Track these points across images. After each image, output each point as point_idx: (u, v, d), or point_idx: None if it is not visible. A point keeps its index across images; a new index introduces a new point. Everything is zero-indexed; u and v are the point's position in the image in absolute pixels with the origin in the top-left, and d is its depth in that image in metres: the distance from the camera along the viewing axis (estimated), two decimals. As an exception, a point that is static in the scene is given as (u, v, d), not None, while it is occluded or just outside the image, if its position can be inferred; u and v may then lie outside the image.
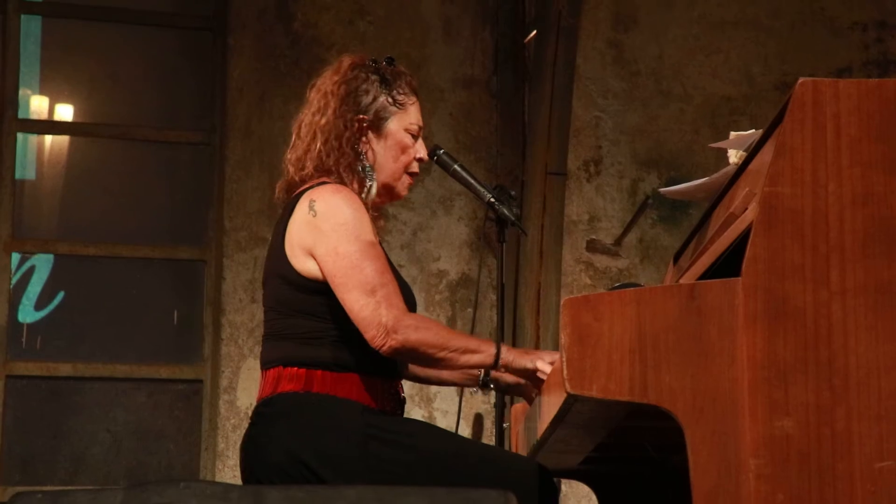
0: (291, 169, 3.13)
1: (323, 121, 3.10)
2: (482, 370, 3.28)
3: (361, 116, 3.10)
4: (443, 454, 2.95)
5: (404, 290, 3.11)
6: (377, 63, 3.18)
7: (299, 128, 3.16)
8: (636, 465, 3.29)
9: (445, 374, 3.35)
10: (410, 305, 3.12)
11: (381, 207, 3.23)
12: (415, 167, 3.17)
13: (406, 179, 3.17)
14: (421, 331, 2.94)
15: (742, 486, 2.22)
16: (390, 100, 3.13)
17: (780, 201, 2.29)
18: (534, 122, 5.75)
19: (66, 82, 5.87)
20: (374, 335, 2.92)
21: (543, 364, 3.00)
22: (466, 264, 5.78)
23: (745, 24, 6.02)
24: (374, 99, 3.12)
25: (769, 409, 2.23)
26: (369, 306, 2.92)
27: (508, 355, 3.01)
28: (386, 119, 3.13)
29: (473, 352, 2.99)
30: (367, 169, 3.11)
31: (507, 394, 3.42)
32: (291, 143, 3.16)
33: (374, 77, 3.14)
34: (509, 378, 3.26)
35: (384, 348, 2.92)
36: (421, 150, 3.17)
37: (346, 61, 3.18)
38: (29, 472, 5.50)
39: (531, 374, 3.04)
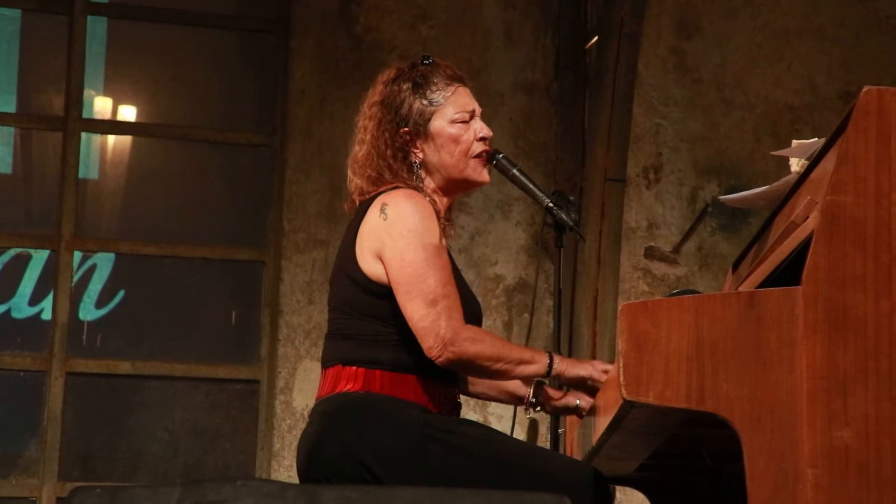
0: (357, 194, 3.15)
1: (364, 151, 3.13)
2: (530, 391, 3.28)
3: (403, 129, 3.10)
4: (499, 457, 2.95)
5: (469, 299, 3.11)
6: (412, 66, 3.18)
7: (353, 165, 3.18)
8: (691, 474, 3.28)
9: (494, 392, 3.35)
10: (475, 313, 3.13)
11: (453, 214, 3.24)
12: (477, 149, 3.15)
13: (475, 163, 3.15)
14: (477, 343, 2.94)
15: (799, 496, 2.22)
16: (425, 101, 3.12)
17: (842, 210, 2.28)
18: (593, 128, 5.74)
19: (130, 83, 5.92)
20: (431, 346, 2.93)
21: (597, 373, 3.00)
22: (524, 269, 5.78)
23: (809, 32, 5.99)
24: (410, 107, 3.11)
25: (828, 420, 2.22)
26: (429, 317, 2.93)
27: (561, 365, 3.01)
28: (428, 121, 3.12)
29: (528, 363, 2.99)
30: (418, 178, 3.12)
31: (554, 414, 3.41)
32: (348, 179, 3.18)
33: (406, 85, 3.13)
34: (556, 401, 3.26)
35: (441, 359, 2.93)
36: (481, 129, 3.15)
37: (381, 79, 3.19)
38: (88, 469, 5.55)
39: (584, 383, 3.04)
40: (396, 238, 2.97)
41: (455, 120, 3.13)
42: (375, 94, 3.15)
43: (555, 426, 3.70)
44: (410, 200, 3.02)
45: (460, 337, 2.92)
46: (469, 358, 2.94)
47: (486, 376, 3.09)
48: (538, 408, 3.29)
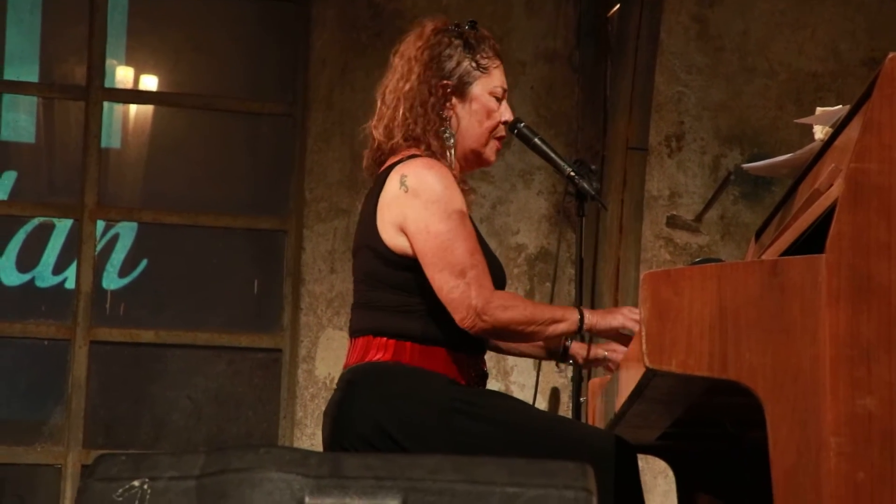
0: (379, 137, 3.13)
1: (407, 87, 3.10)
2: (562, 347, 3.29)
3: (446, 82, 3.10)
4: (522, 426, 2.96)
5: (493, 263, 3.11)
6: (460, 27, 3.17)
7: (384, 94, 3.15)
8: (714, 442, 3.28)
9: (525, 346, 3.37)
10: (500, 279, 3.13)
11: (470, 178, 3.24)
12: (501, 131, 3.16)
13: (493, 144, 3.16)
14: (509, 310, 2.95)
15: (822, 463, 2.22)
16: (474, 64, 3.12)
17: (866, 178, 2.27)
18: (615, 97, 5.73)
19: (152, 53, 5.93)
20: (463, 317, 2.93)
21: (628, 321, 3.01)
22: (545, 238, 5.78)
23: (832, -1, 5.97)
24: (458, 64, 3.11)
25: (851, 388, 2.22)
26: (459, 288, 2.93)
27: (592, 318, 3.02)
28: (470, 83, 3.12)
29: (559, 321, 3.00)
30: (448, 136, 3.11)
31: (585, 367, 3.43)
32: (376, 111, 3.16)
33: (457, 41, 3.13)
34: (589, 354, 3.28)
35: (474, 329, 2.93)
36: (506, 114, 3.16)
37: (429, 26, 3.17)
38: (112, 436, 5.59)
39: (617, 333, 3.05)
40: (419, 210, 2.97)
41: (493, 93, 3.14)
42: (423, 39, 3.12)
43: (576, 394, 3.71)
44: (431, 170, 3.01)
45: (491, 305, 2.93)
46: (503, 325, 2.95)
47: (521, 340, 3.12)
48: (570, 361, 3.31)
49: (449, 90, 3.10)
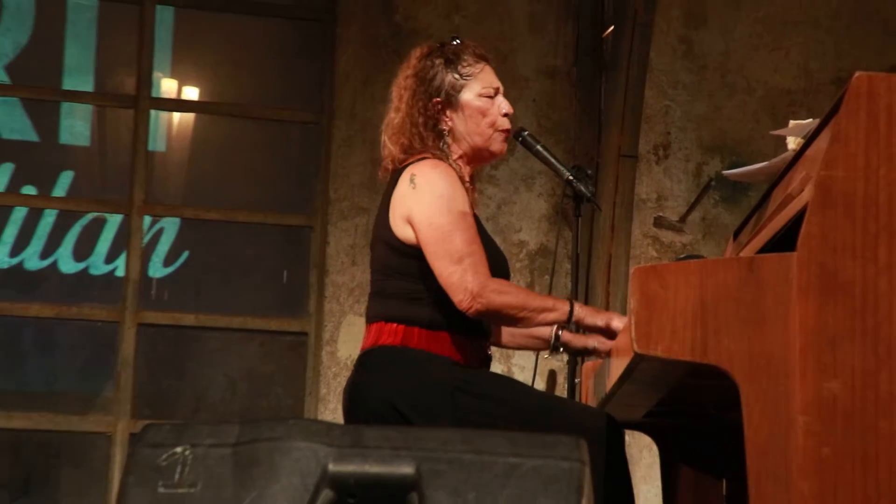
0: (387, 165, 3.14)
1: (399, 118, 3.11)
2: (553, 336, 3.27)
3: (436, 100, 3.08)
4: (521, 405, 2.95)
5: (497, 257, 3.11)
6: (442, 45, 3.16)
7: (388, 130, 3.16)
8: (694, 420, 3.28)
9: (521, 339, 3.35)
10: (503, 271, 3.12)
11: (477, 179, 3.23)
12: (502, 123, 3.13)
13: (498, 136, 3.14)
14: (503, 294, 2.94)
15: (791, 440, 2.22)
16: (457, 76, 3.10)
17: (834, 184, 2.27)
18: (609, 110, 5.73)
19: (194, 66, 5.94)
20: (461, 299, 2.93)
21: (613, 321, 3.00)
22: (545, 236, 5.78)
23: (805, 23, 5.96)
24: (442, 80, 3.09)
25: (818, 372, 2.22)
26: (456, 273, 2.93)
27: (581, 312, 3.01)
28: (458, 93, 3.10)
29: (550, 310, 2.99)
30: (446, 144, 3.10)
31: (576, 356, 3.42)
32: (382, 143, 3.16)
33: (438, 61, 3.11)
34: (577, 343, 3.26)
35: (471, 311, 2.93)
36: (504, 106, 3.14)
37: (415, 54, 3.16)
38: (156, 408, 5.60)
39: (602, 332, 3.04)
40: (424, 205, 2.97)
41: (482, 94, 3.11)
42: (409, 67, 3.13)
43: (571, 376, 3.71)
44: (437, 170, 3.01)
45: (487, 289, 2.92)
46: (496, 308, 2.94)
47: (513, 324, 3.07)
48: (561, 350, 3.30)
49: (441, 105, 3.08)
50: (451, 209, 2.96)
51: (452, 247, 2.93)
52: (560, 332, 3.26)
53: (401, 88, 3.12)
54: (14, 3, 5.74)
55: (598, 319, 3.03)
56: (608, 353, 3.02)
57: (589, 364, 3.61)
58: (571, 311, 2.99)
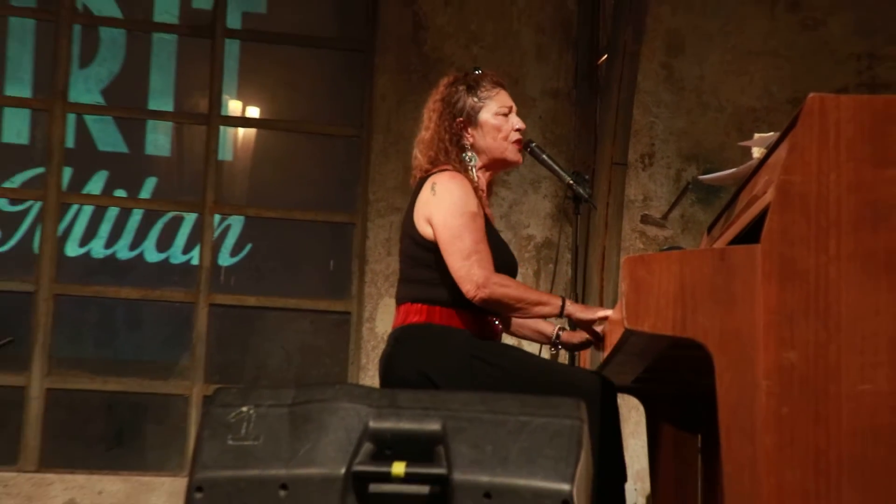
0: (418, 170, 3.14)
1: (429, 135, 3.12)
2: (554, 334, 3.27)
3: (459, 119, 3.09)
4: (529, 370, 2.95)
5: (507, 255, 3.11)
6: (465, 74, 3.17)
7: (419, 144, 3.17)
8: (675, 385, 3.28)
9: (527, 332, 3.33)
10: (511, 263, 3.12)
11: (494, 184, 3.23)
12: (514, 136, 3.14)
13: (512, 147, 3.14)
14: (504, 287, 2.94)
15: (756, 401, 2.21)
16: (476, 99, 3.11)
17: (791, 187, 2.26)
18: (603, 125, 5.71)
19: (256, 89, 5.94)
20: (468, 289, 2.93)
21: (601, 314, 2.99)
22: (549, 231, 5.77)
23: (766, 53, 5.93)
24: (464, 103, 3.11)
25: (779, 344, 2.22)
26: (465, 267, 2.93)
27: (572, 308, 2.99)
28: (477, 113, 3.11)
29: (544, 304, 2.98)
30: (469, 157, 3.11)
31: (572, 351, 3.39)
32: (414, 155, 3.17)
33: (461, 87, 3.13)
34: (574, 340, 3.25)
35: (476, 299, 2.93)
36: (517, 123, 3.14)
37: (443, 82, 3.18)
38: (224, 375, 5.61)
39: (589, 326, 3.02)
40: (441, 209, 2.98)
41: (498, 113, 3.12)
42: (438, 93, 3.15)
43: (571, 355, 3.69)
44: (454, 180, 3.02)
45: (490, 281, 2.92)
46: (497, 297, 2.93)
47: (511, 313, 3.05)
48: (560, 346, 3.29)
49: (463, 124, 3.09)
50: (463, 213, 2.96)
51: (462, 245, 2.94)
52: (560, 332, 3.25)
53: (430, 110, 3.13)
54: (109, 39, 5.75)
55: (587, 314, 3.02)
56: (600, 346, 3.02)
57: (585, 351, 3.60)
58: (563, 307, 2.98)
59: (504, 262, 3.05)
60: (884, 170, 2.26)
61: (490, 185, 3.18)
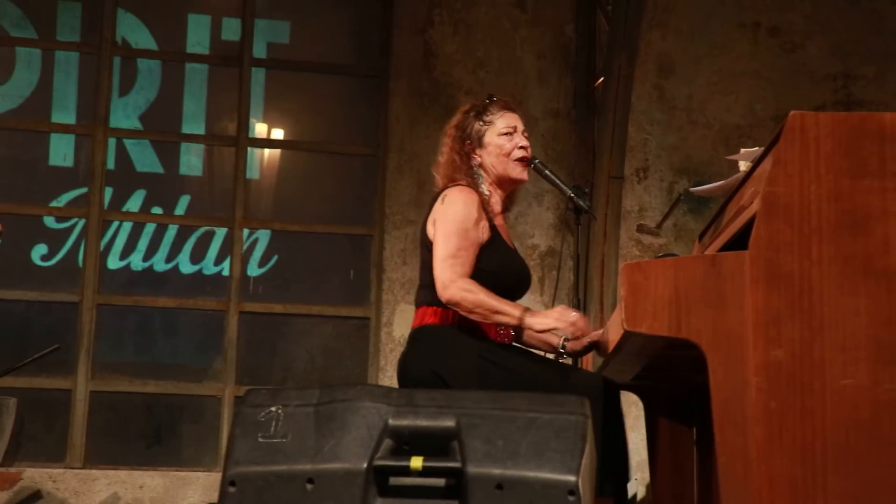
0: (435, 187, 3.17)
1: (444, 158, 3.16)
2: (560, 345, 3.24)
3: (468, 142, 3.13)
4: (534, 371, 2.95)
5: (517, 263, 3.10)
6: (478, 102, 3.21)
7: (436, 167, 3.19)
8: (671, 382, 3.27)
9: (535, 342, 3.30)
10: (521, 274, 3.11)
11: (509, 199, 3.23)
12: (517, 154, 3.15)
13: (516, 165, 3.15)
14: (467, 292, 2.90)
15: (746, 396, 2.21)
16: (481, 122, 3.14)
17: (776, 198, 2.26)
18: (600, 142, 5.71)
19: (280, 113, 5.95)
20: (437, 288, 2.92)
21: (561, 323, 2.90)
22: (552, 240, 5.77)
23: (750, 74, 5.93)
24: (473, 127, 3.15)
25: (766, 343, 2.21)
26: (439, 268, 2.94)
27: (529, 319, 2.93)
28: (483, 135, 3.13)
29: (503, 314, 2.91)
30: (478, 174, 3.13)
31: (576, 358, 3.36)
32: (433, 177, 3.20)
33: (472, 113, 3.17)
34: (578, 348, 3.24)
35: (442, 299, 2.91)
36: (521, 141, 3.15)
37: (459, 110, 3.23)
38: (254, 377, 5.61)
39: (545, 337, 2.98)
40: (443, 215, 3.00)
41: (501, 133, 3.13)
42: (454, 120, 3.18)
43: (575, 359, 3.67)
44: (461, 193, 3.03)
45: (455, 285, 2.90)
46: (457, 300, 2.90)
47: (472, 317, 2.96)
48: (564, 356, 3.28)
49: (471, 146, 3.12)
50: (458, 221, 2.97)
51: (446, 248, 2.94)
52: (566, 343, 3.24)
53: (446, 136, 3.18)
54: (146, 69, 5.77)
55: (544, 324, 2.95)
56: (605, 329, 3.00)
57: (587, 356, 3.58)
58: (522, 319, 2.92)
59: (515, 270, 3.05)
60: (860, 181, 2.25)
61: (508, 200, 3.20)
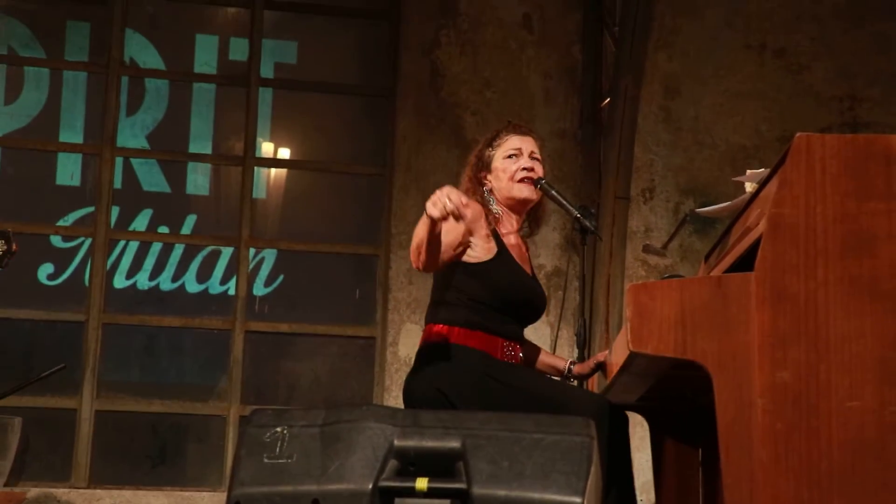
0: None
1: (462, 185, 3.19)
2: (566, 368, 3.26)
3: (481, 171, 3.18)
4: (539, 391, 2.94)
5: (531, 287, 3.12)
6: (496, 130, 3.26)
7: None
8: (676, 402, 3.26)
9: (543, 367, 3.32)
10: (535, 300, 3.12)
11: (535, 222, 3.26)
12: (520, 175, 3.18)
13: (519, 185, 3.18)
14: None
15: (752, 418, 2.20)
16: (490, 148, 3.20)
17: (782, 219, 2.26)
18: (606, 162, 5.72)
19: (287, 132, 5.97)
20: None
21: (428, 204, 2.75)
22: (558, 260, 5.77)
23: (756, 95, 5.94)
24: (483, 154, 3.20)
25: (772, 365, 2.21)
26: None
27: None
28: (491, 160, 3.18)
29: (419, 231, 2.84)
30: (489, 199, 3.16)
31: (583, 380, 3.36)
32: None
33: (485, 142, 3.23)
34: (585, 371, 3.25)
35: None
36: (525, 163, 3.18)
37: (483, 140, 3.27)
38: (259, 396, 5.61)
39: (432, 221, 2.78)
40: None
41: (506, 156, 3.17)
42: (474, 151, 3.25)
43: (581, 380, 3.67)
44: (469, 205, 3.05)
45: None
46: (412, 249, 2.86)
47: (420, 258, 2.85)
48: (572, 378, 3.29)
49: (483, 172, 3.16)
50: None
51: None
52: (572, 367, 3.25)
53: (466, 166, 3.23)
54: (154, 89, 5.80)
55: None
56: (610, 350, 3.00)
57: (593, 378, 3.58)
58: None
59: (525, 288, 3.06)
60: (866, 202, 2.26)
61: (532, 223, 3.23)
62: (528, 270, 3.19)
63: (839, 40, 6.00)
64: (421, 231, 2.84)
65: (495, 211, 3.14)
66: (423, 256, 2.86)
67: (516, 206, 3.20)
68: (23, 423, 5.07)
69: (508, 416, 2.20)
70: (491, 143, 3.21)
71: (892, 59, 5.98)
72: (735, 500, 2.19)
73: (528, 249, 3.26)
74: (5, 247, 2.85)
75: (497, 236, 3.09)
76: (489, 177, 3.17)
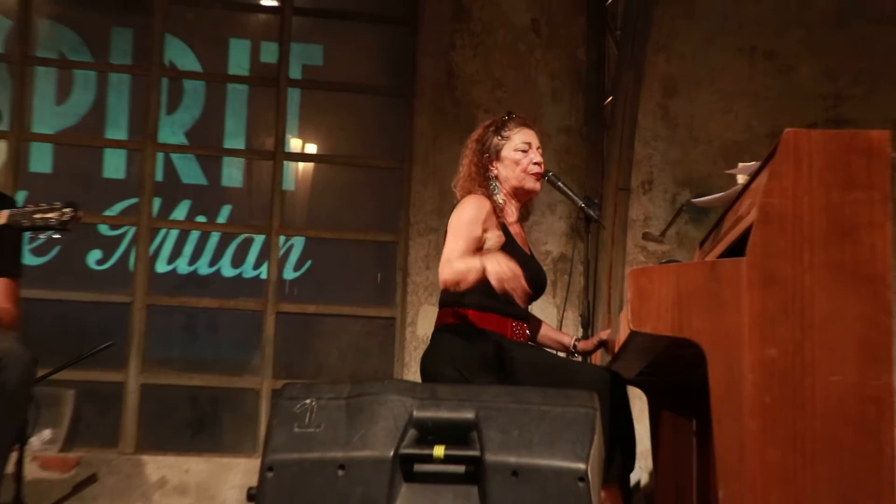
0: (455, 199, 3.18)
1: (464, 169, 3.16)
2: (572, 345, 3.25)
3: (486, 155, 3.14)
4: (547, 366, 2.95)
5: (536, 271, 3.11)
6: (498, 118, 3.21)
7: (457, 180, 3.21)
8: (672, 377, 3.27)
9: (548, 341, 3.31)
10: (539, 281, 3.12)
11: (525, 209, 3.25)
12: (532, 168, 3.16)
13: (529, 177, 3.16)
14: (454, 273, 2.88)
15: (743, 391, 2.21)
16: (499, 137, 3.15)
17: (771, 208, 2.26)
18: (609, 156, 5.70)
19: (314, 129, 5.97)
20: (441, 286, 2.93)
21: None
22: (564, 247, 5.76)
23: (748, 94, 5.90)
24: (491, 141, 3.15)
25: (762, 343, 2.22)
26: (441, 268, 2.92)
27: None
28: (501, 149, 3.14)
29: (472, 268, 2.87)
30: (493, 186, 3.14)
31: (587, 356, 3.36)
32: (454, 192, 3.20)
33: (492, 129, 3.18)
34: (589, 348, 3.25)
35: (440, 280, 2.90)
36: (535, 157, 3.16)
37: (480, 125, 3.23)
38: (289, 371, 5.62)
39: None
40: (453, 219, 3.01)
41: (517, 149, 3.15)
42: (475, 135, 3.19)
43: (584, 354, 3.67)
44: (473, 200, 3.06)
45: (448, 276, 2.87)
46: (451, 282, 2.88)
47: (463, 286, 2.91)
48: (575, 354, 3.29)
49: (489, 159, 3.13)
50: (463, 223, 2.99)
51: (448, 249, 2.94)
52: (577, 343, 3.24)
53: (466, 149, 3.19)
54: (192, 89, 5.81)
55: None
56: (611, 348, 3.00)
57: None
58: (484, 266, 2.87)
59: (530, 273, 3.05)
60: (849, 193, 2.25)
61: (524, 210, 3.21)
62: (528, 251, 3.20)
63: (825, 43, 5.96)
64: (479, 271, 2.81)
65: (499, 200, 3.12)
66: (469, 278, 2.84)
67: (521, 195, 3.20)
68: (75, 396, 5.12)
69: (518, 390, 2.21)
70: (500, 131, 3.16)
71: (874, 61, 5.94)
72: (726, 466, 2.19)
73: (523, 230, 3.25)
74: (73, 213, 2.95)
75: (504, 227, 3.10)
76: (496, 164, 3.14)
